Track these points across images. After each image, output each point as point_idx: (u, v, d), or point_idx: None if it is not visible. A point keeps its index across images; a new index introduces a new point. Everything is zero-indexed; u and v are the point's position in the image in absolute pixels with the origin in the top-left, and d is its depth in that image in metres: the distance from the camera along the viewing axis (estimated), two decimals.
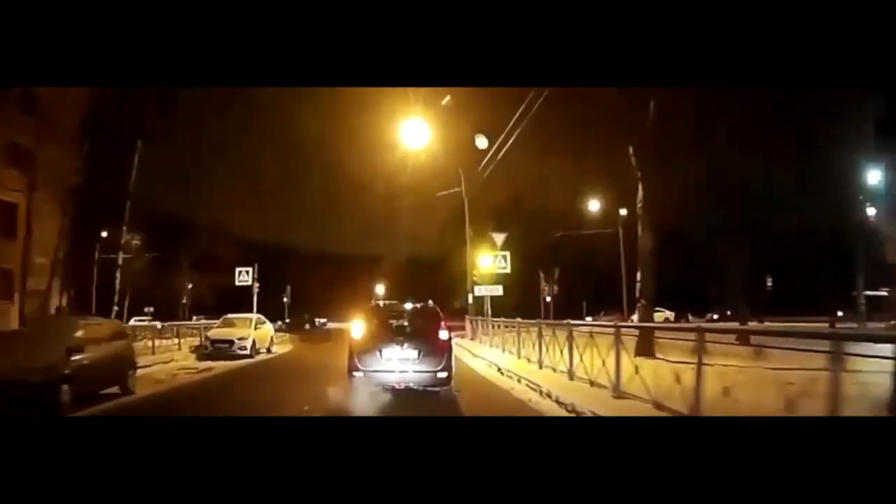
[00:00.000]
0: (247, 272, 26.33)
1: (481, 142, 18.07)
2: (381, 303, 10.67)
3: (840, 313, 44.09)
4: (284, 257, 62.61)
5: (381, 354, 8.18)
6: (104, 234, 43.59)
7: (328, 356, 16.15)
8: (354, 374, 8.26)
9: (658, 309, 48.57)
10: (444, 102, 16.81)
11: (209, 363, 15.11)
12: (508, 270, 20.33)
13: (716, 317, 46.04)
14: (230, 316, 18.26)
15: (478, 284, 20.89)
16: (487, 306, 21.09)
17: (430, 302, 9.39)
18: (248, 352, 16.21)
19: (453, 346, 8.95)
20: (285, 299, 47.62)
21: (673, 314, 48.93)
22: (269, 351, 18.32)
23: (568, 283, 43.83)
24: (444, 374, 8.17)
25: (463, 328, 27.47)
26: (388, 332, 8.41)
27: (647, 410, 6.76)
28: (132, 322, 34.19)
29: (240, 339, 16.30)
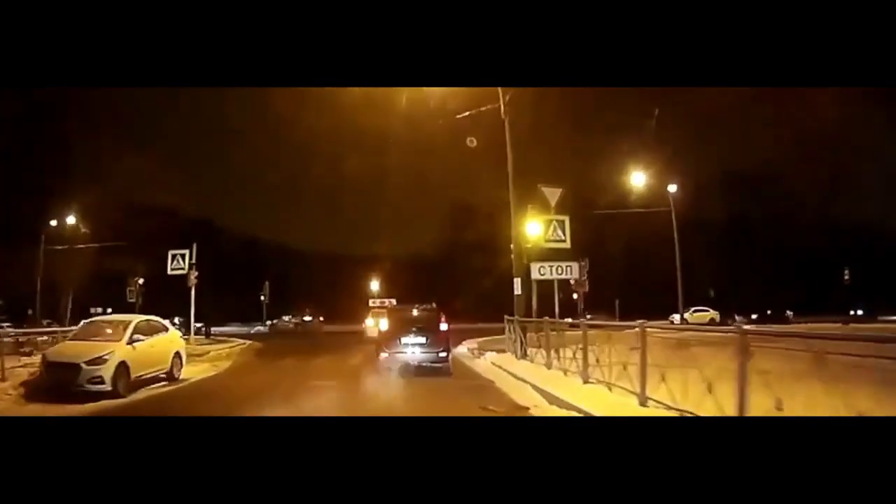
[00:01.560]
0: (181, 256, 18.82)
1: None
2: (394, 303, 17.50)
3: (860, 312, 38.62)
4: (267, 253, 55.58)
5: (400, 341, 11.64)
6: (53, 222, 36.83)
7: (288, 391, 9.38)
8: (381, 355, 11.72)
9: (701, 308, 41.35)
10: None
11: (37, 408, 8.02)
12: (568, 244, 12.66)
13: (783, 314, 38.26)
14: (96, 319, 10.72)
15: (532, 262, 12.76)
16: (554, 302, 12.75)
17: (433, 304, 12.98)
18: (105, 385, 8.57)
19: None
20: (262, 298, 40.09)
21: (718, 314, 40.92)
22: (170, 378, 10.59)
23: (596, 275, 36.40)
24: (444, 354, 11.66)
25: (475, 335, 19.54)
26: (404, 325, 11.96)
27: None
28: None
29: (90, 361, 8.57)
